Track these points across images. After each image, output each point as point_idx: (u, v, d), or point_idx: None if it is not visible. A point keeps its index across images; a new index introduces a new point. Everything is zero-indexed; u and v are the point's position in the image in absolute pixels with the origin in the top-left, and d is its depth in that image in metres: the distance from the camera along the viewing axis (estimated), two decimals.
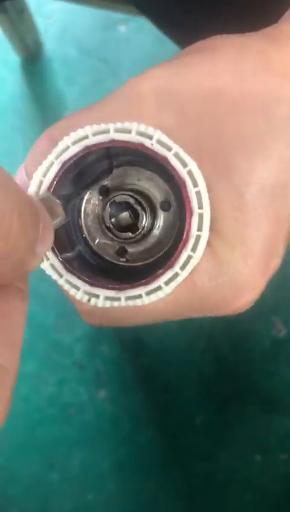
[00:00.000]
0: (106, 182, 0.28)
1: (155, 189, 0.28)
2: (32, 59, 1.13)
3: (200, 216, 0.24)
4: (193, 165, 0.24)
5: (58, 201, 0.24)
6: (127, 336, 1.03)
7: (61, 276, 0.25)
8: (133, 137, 0.25)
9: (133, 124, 0.25)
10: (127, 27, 1.12)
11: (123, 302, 0.25)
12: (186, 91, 0.26)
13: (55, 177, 0.25)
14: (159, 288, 0.25)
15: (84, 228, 0.28)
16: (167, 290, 0.25)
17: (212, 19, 0.45)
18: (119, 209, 0.28)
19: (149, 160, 0.26)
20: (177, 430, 0.99)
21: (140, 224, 0.27)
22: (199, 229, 0.24)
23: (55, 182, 0.25)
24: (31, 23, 1.07)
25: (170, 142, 0.24)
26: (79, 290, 0.25)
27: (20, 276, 0.21)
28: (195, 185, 0.24)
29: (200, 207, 0.24)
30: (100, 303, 0.25)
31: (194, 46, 0.28)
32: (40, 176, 0.25)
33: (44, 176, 0.25)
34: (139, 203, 0.27)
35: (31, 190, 0.25)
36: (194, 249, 0.25)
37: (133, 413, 1.00)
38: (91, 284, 0.25)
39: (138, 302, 0.25)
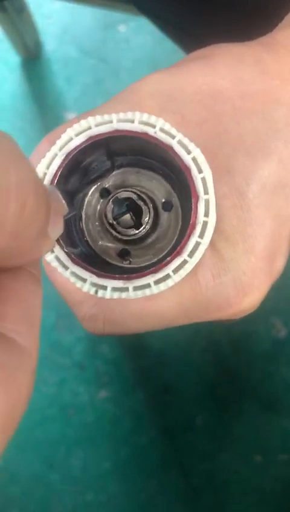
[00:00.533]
0: (106, 184, 0.28)
1: (156, 190, 0.28)
2: (32, 59, 1.13)
3: (207, 202, 0.24)
4: (197, 152, 0.24)
5: (59, 194, 0.23)
6: (127, 336, 1.03)
7: (67, 268, 0.24)
8: (136, 127, 0.24)
9: (136, 113, 0.24)
10: (127, 27, 1.12)
11: (131, 293, 0.24)
12: (186, 94, 0.26)
13: (58, 168, 0.25)
14: (167, 276, 0.24)
15: (85, 231, 0.28)
16: (176, 278, 0.24)
17: (212, 19, 0.45)
18: (122, 208, 0.27)
19: (150, 157, 0.26)
20: (177, 430, 0.99)
21: (144, 220, 0.27)
22: (206, 214, 0.24)
23: (58, 174, 0.24)
24: (31, 22, 1.06)
25: (172, 130, 0.24)
26: (86, 282, 0.24)
27: (31, 262, 0.20)
28: (200, 171, 0.24)
29: (206, 193, 0.24)
30: (108, 294, 0.24)
31: (193, 55, 0.28)
32: (43, 169, 0.25)
33: (47, 168, 0.25)
34: (142, 199, 0.27)
35: None
36: (201, 235, 0.24)
37: (133, 413, 1.00)
38: (98, 275, 0.24)
39: (147, 291, 0.24)
